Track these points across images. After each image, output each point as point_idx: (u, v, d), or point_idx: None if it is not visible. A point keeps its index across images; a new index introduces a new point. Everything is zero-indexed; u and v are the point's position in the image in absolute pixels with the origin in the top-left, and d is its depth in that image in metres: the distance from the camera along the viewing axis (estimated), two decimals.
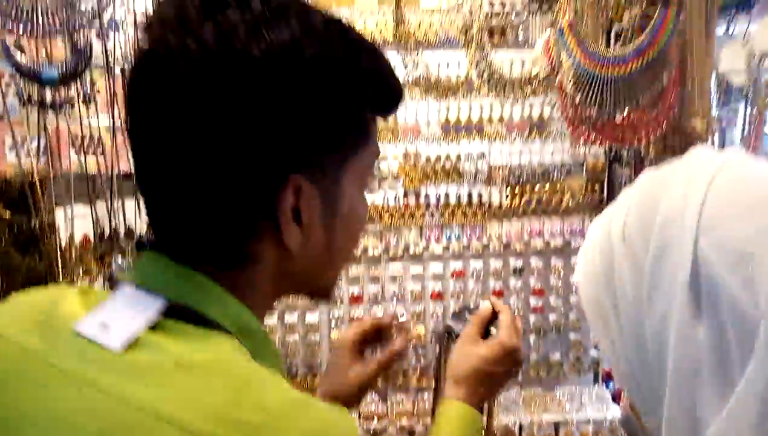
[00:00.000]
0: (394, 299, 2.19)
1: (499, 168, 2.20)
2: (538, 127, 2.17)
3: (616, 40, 1.88)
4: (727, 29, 2.19)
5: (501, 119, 2.15)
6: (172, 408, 0.42)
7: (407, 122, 2.18)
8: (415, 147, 2.18)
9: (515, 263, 2.20)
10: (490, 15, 2.18)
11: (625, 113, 1.83)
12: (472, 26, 2.10)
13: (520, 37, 2.52)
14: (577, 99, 1.82)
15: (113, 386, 0.43)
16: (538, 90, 1.97)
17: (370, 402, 2.13)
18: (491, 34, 2.62)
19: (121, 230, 1.86)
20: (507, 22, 2.37)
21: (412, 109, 2.16)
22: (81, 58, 1.66)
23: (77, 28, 1.63)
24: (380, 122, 0.61)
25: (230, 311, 0.50)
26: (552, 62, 1.84)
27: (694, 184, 0.49)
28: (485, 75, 1.93)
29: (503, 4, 2.33)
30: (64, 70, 1.67)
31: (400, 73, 2.23)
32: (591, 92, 1.79)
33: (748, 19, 2.12)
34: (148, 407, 0.42)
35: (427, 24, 2.23)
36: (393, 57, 2.19)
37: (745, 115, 2.07)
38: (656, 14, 1.67)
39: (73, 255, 1.79)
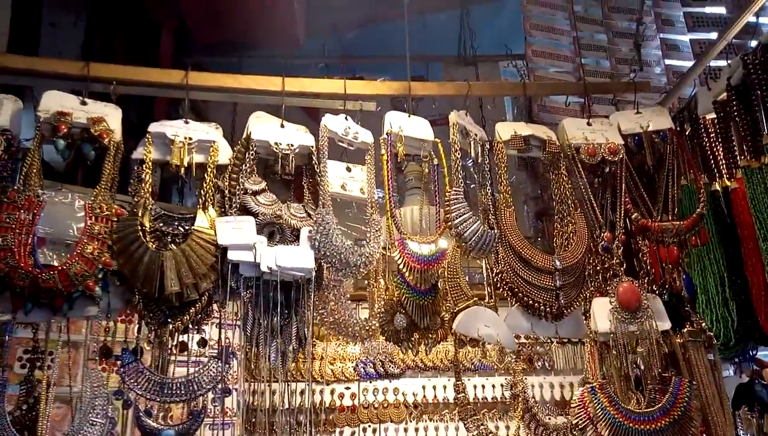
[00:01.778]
0: None
1: None
2: None
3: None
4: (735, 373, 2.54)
5: None
6: None
7: None
8: None
9: None
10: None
11: None
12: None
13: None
14: None
15: None
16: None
17: None
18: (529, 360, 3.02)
19: None
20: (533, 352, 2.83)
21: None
22: (195, 420, 2.01)
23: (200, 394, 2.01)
24: None
25: None
26: (589, 415, 2.12)
27: None
28: (533, 429, 2.21)
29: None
30: (180, 429, 2.00)
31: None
32: None
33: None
34: None
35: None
36: None
37: None
38: (672, 383, 2.02)
39: None
